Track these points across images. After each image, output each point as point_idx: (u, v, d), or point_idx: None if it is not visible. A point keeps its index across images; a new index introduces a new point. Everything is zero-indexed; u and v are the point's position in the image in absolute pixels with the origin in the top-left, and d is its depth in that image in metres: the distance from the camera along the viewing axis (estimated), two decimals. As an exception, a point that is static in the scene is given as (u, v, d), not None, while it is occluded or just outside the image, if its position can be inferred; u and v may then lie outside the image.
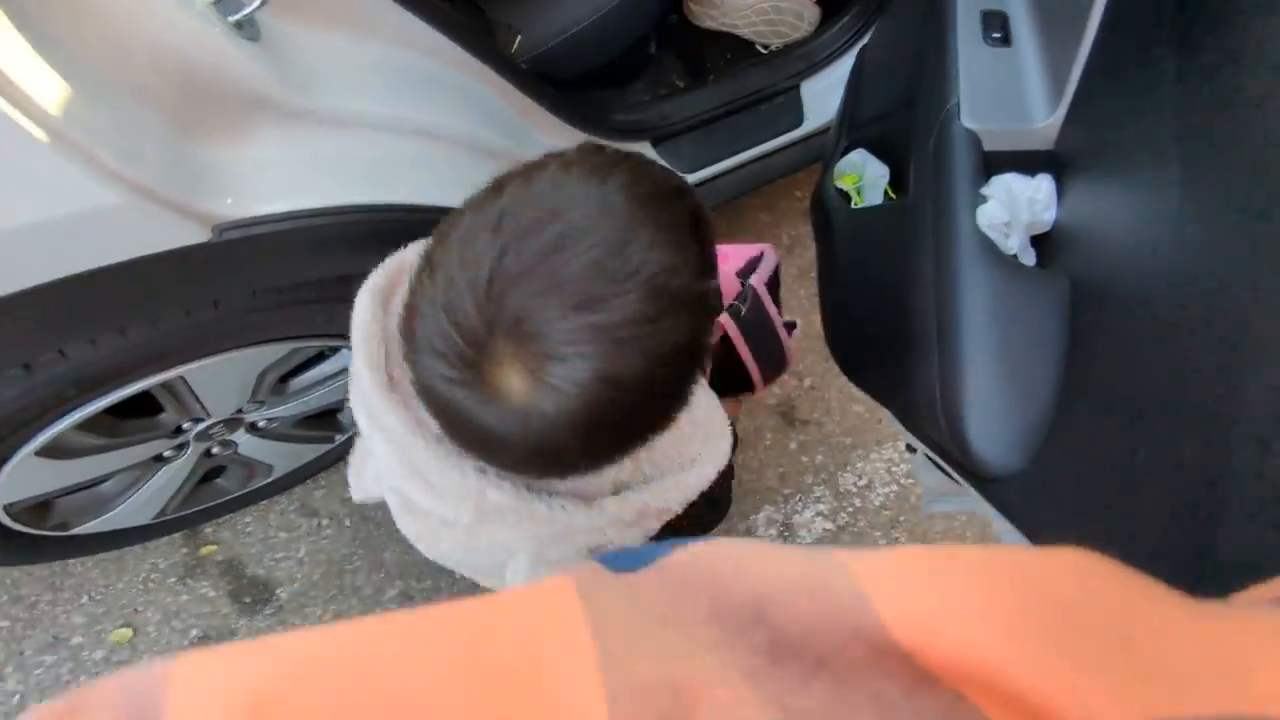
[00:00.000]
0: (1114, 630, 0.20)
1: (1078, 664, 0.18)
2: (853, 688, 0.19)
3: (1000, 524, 0.74)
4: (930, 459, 0.96)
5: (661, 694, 0.18)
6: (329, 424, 1.32)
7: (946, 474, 0.92)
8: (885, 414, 1.70)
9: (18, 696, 1.35)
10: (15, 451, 0.92)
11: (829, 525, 1.61)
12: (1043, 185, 0.74)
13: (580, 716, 0.18)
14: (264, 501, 1.48)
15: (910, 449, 1.07)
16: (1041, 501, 0.60)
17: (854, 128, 1.13)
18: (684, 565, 0.23)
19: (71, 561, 1.41)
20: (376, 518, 1.50)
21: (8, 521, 1.02)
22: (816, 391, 1.70)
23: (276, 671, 0.18)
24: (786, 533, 1.59)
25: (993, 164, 0.76)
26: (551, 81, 1.19)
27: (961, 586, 0.21)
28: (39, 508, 1.08)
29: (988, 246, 0.71)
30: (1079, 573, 0.22)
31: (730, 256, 0.95)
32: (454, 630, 0.20)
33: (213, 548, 1.45)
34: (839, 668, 0.20)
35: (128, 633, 1.39)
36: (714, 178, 1.43)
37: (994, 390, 0.63)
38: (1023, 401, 0.62)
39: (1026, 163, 0.74)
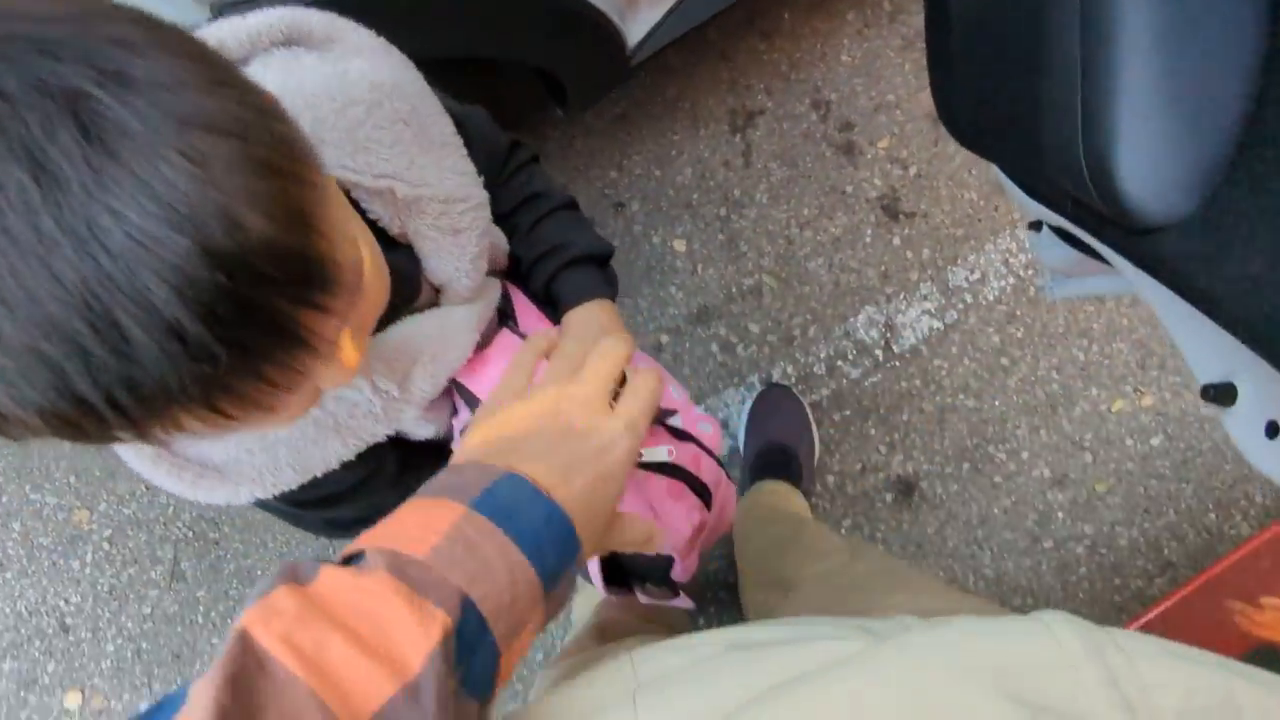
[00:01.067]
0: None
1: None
2: None
3: (1156, 300, 0.62)
4: (1058, 231, 0.83)
5: None
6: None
7: (1081, 246, 0.79)
8: (1003, 200, 1.52)
9: (171, 507, 1.49)
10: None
11: (936, 324, 1.50)
12: None
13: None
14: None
15: (1034, 226, 0.93)
16: (1220, 259, 0.48)
17: None
18: None
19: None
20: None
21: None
22: (923, 180, 1.53)
23: None
24: (889, 333, 1.49)
25: None
26: None
27: None
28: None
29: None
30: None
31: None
32: None
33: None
34: None
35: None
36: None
37: (1155, 115, 0.49)
38: (1193, 127, 0.48)
39: None
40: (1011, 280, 1.50)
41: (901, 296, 1.51)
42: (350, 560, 0.37)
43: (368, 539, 0.38)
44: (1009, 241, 1.51)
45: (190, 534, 1.49)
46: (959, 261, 1.51)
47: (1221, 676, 0.29)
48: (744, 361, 1.50)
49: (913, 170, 1.53)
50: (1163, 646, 0.31)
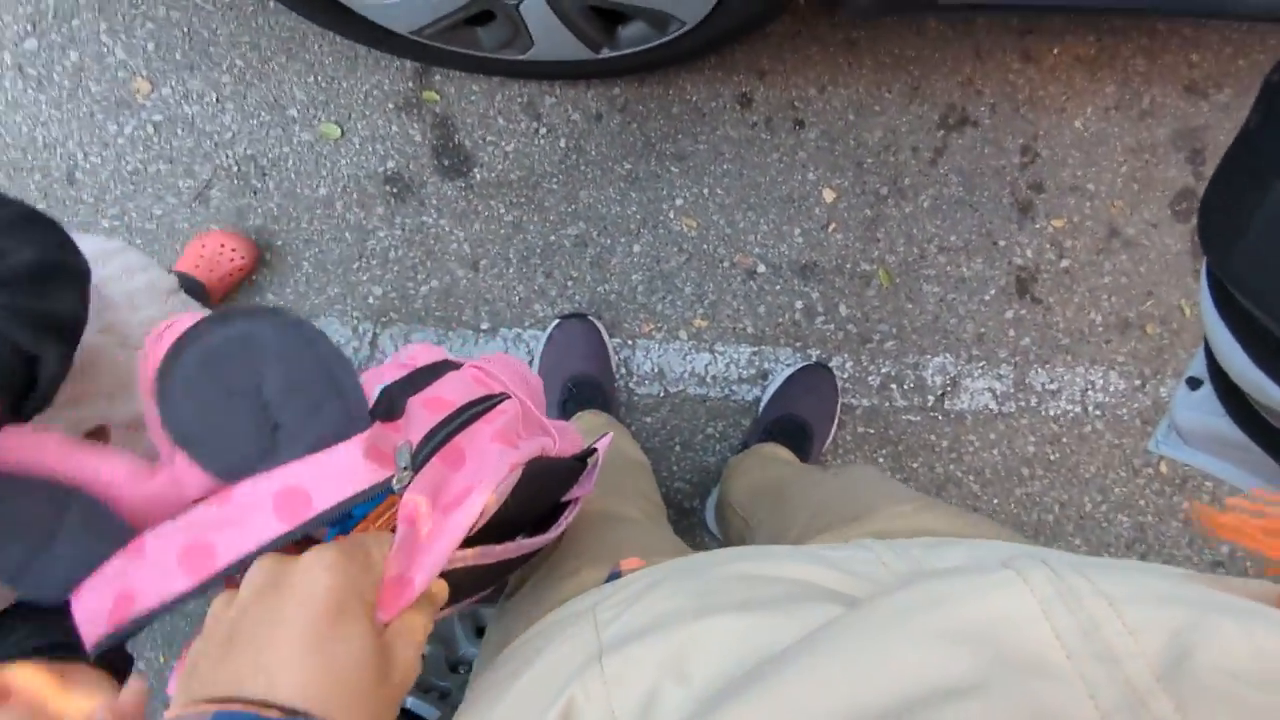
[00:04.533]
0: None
1: None
2: None
3: None
4: (1235, 404, 0.82)
5: None
6: (609, 29, 1.20)
7: (1253, 428, 0.79)
8: (1117, 337, 1.51)
9: (230, 134, 1.41)
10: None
11: (993, 406, 1.50)
12: None
13: None
14: (498, 79, 1.42)
15: (1192, 384, 0.92)
16: None
17: None
18: None
19: (310, 40, 1.40)
20: (591, 154, 1.44)
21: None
22: (1068, 277, 1.50)
23: None
24: (949, 388, 1.49)
25: None
26: None
27: None
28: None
29: None
30: None
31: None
32: None
33: (435, 96, 1.42)
34: None
35: (336, 130, 1.41)
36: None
37: None
38: None
39: None
40: (1077, 410, 1.51)
41: (981, 364, 1.50)
42: None
43: None
44: (1099, 377, 1.51)
45: (236, 168, 1.41)
46: (1046, 366, 1.51)
47: (1199, 613, 0.27)
48: (814, 333, 1.48)
49: (1065, 263, 1.50)
50: (1148, 588, 0.29)
